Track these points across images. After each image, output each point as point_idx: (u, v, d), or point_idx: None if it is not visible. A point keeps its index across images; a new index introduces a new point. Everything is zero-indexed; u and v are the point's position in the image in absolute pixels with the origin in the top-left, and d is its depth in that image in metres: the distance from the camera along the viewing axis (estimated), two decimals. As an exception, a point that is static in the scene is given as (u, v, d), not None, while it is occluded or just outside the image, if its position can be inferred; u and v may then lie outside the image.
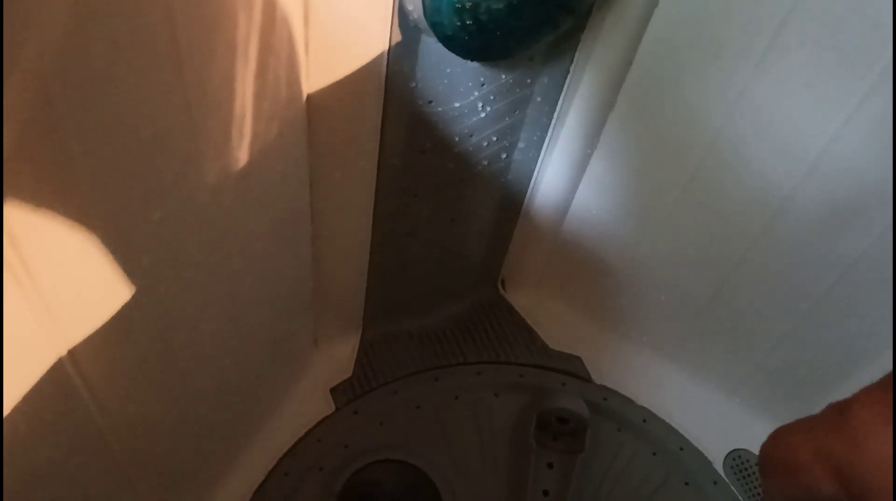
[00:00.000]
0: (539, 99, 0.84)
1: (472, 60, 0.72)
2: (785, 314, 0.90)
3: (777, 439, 0.39)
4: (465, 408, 1.01)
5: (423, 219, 0.91)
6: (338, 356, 1.04)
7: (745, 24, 0.70)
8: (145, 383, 0.67)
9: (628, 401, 1.04)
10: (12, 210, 0.45)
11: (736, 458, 1.01)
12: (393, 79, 0.71)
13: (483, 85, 0.76)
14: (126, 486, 0.74)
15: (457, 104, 0.77)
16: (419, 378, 1.03)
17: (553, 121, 0.88)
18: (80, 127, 0.45)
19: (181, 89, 0.51)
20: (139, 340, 0.62)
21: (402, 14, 0.66)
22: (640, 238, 0.95)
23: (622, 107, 0.84)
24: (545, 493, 0.94)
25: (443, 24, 0.63)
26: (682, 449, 1.01)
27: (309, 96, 0.68)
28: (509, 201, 0.98)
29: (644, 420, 1.02)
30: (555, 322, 1.11)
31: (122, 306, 0.58)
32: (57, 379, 0.56)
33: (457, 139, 0.81)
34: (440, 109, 0.77)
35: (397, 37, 0.68)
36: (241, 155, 0.61)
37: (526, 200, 1.00)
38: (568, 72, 0.83)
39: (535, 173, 0.96)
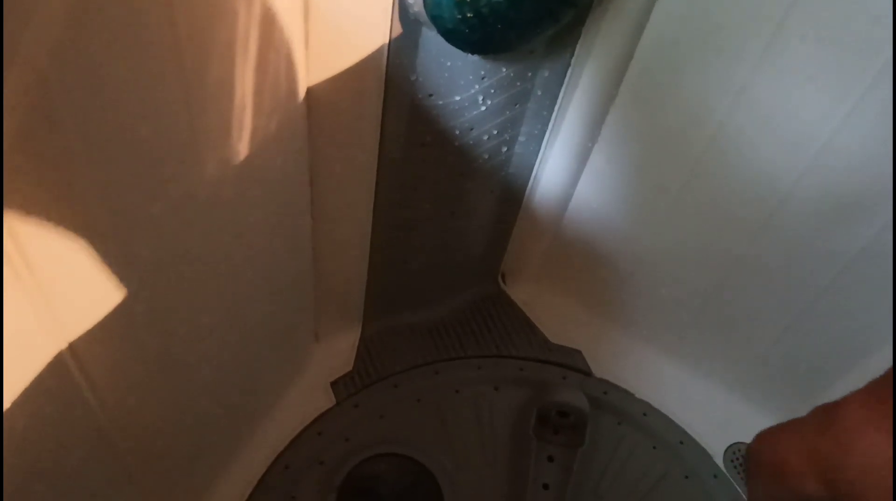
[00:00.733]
0: (540, 92, 0.83)
1: (472, 54, 0.72)
2: (786, 307, 0.90)
3: (764, 439, 0.39)
4: (465, 402, 1.01)
5: (424, 213, 0.91)
6: (338, 350, 1.04)
7: (747, 17, 0.70)
8: (146, 377, 0.67)
9: (628, 395, 1.04)
10: (12, 205, 0.45)
11: (736, 451, 1.01)
12: (393, 72, 0.71)
13: (484, 78, 0.76)
14: (127, 479, 0.74)
15: (457, 98, 0.77)
16: (420, 372, 1.04)
17: (554, 114, 0.88)
18: (79, 122, 0.45)
19: (181, 84, 0.51)
20: (139, 334, 0.62)
21: (402, 7, 0.65)
22: (641, 232, 0.95)
23: (623, 100, 0.84)
24: (545, 487, 0.94)
25: (443, 17, 0.63)
26: (682, 443, 1.01)
27: (309, 90, 0.68)
28: (510, 195, 0.98)
29: (644, 414, 1.02)
30: (555, 316, 1.11)
31: (123, 300, 0.58)
32: (57, 373, 0.56)
33: (457, 133, 0.81)
34: (441, 102, 0.76)
35: (398, 30, 0.67)
36: (241, 149, 0.61)
37: (526, 193, 0.99)
38: (569, 65, 0.83)
39: (536, 167, 0.96)
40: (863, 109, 0.68)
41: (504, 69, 0.77)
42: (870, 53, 0.65)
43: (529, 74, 0.80)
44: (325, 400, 1.00)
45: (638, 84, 0.81)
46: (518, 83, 0.80)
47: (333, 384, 1.01)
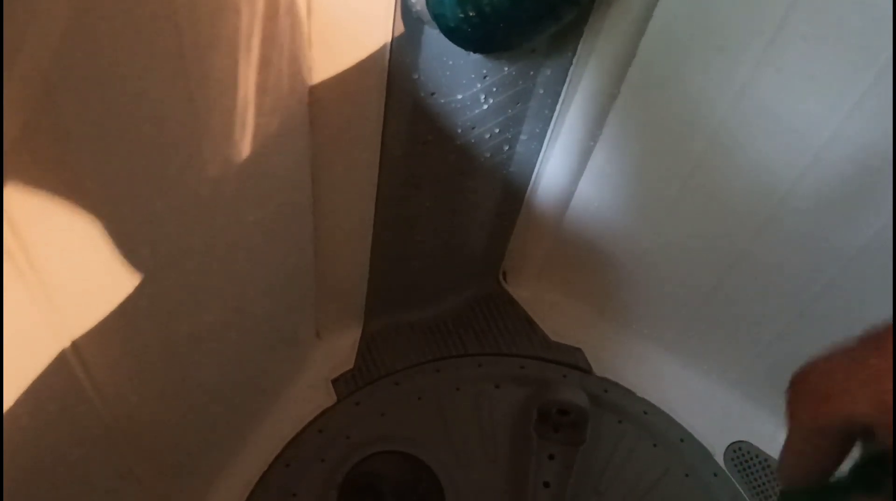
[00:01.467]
0: (542, 91, 0.83)
1: (474, 52, 0.72)
2: (787, 305, 0.90)
3: (812, 366, 0.37)
4: (466, 400, 1.01)
5: (425, 210, 0.91)
6: (339, 348, 1.04)
7: (748, 15, 0.70)
8: (148, 374, 0.67)
9: (629, 393, 1.05)
10: (15, 200, 0.45)
11: (736, 450, 1.02)
12: (395, 70, 0.71)
13: (485, 77, 0.76)
14: (128, 476, 0.74)
15: (459, 96, 0.77)
16: (421, 370, 1.04)
17: (556, 113, 0.88)
18: (82, 119, 0.45)
19: (184, 82, 0.51)
20: (141, 331, 0.62)
21: (404, 6, 0.65)
22: (643, 229, 0.95)
23: (625, 98, 0.84)
24: (546, 484, 0.94)
25: (445, 15, 0.63)
26: (682, 441, 1.01)
27: (311, 88, 0.68)
28: (511, 193, 0.98)
29: (645, 412, 1.03)
30: (556, 314, 1.12)
31: (125, 297, 0.58)
32: (60, 371, 0.57)
33: (459, 131, 0.81)
34: (442, 100, 0.76)
35: (400, 28, 0.67)
36: (244, 148, 0.61)
37: (528, 191, 0.99)
38: (571, 63, 0.83)
39: (538, 165, 0.96)
40: (864, 107, 0.68)
41: (506, 68, 0.77)
42: (871, 52, 0.65)
43: (531, 73, 0.80)
44: (327, 398, 1.00)
45: (640, 82, 0.81)
46: (520, 82, 0.80)
47: (334, 382, 1.01)
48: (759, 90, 0.73)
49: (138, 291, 0.59)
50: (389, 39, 0.67)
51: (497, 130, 0.84)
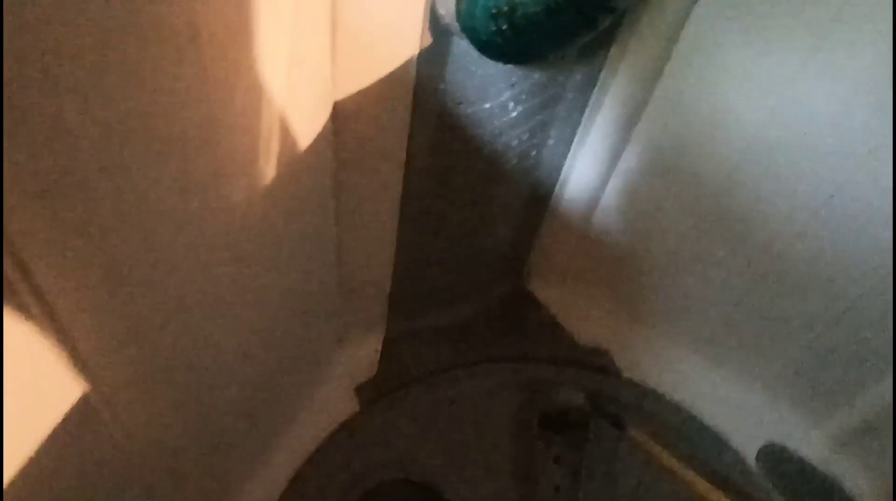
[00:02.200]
0: (571, 96, 0.80)
1: (506, 64, 0.69)
2: (823, 309, 0.87)
3: None
4: (462, 413, 0.99)
5: (449, 219, 0.88)
6: (362, 355, 1.02)
7: (791, 21, 0.67)
8: (171, 406, 0.65)
9: (655, 394, 1.02)
10: (29, 242, 0.43)
11: (770, 452, 0.99)
12: (422, 82, 0.68)
13: (514, 85, 0.73)
14: (152, 498, 0.73)
15: (486, 105, 0.74)
16: (415, 389, 1.01)
17: (585, 116, 0.85)
18: (104, 162, 0.43)
19: (207, 110, 0.48)
20: (166, 366, 0.60)
21: (432, 18, 0.62)
22: (673, 232, 0.93)
23: (658, 101, 0.81)
24: (556, 489, 0.92)
25: (476, 29, 0.60)
26: (683, 423, 0.99)
27: (335, 104, 0.65)
28: (538, 197, 0.95)
29: (643, 400, 1.00)
30: (582, 316, 1.09)
31: (149, 335, 0.56)
32: (84, 414, 0.55)
33: (486, 139, 0.78)
34: (469, 110, 0.73)
35: (427, 41, 0.64)
36: (268, 172, 0.58)
37: (554, 194, 0.97)
38: (602, 67, 0.80)
39: (565, 168, 0.93)
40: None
41: (535, 75, 0.74)
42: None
43: (561, 78, 0.77)
44: (350, 405, 0.98)
45: (674, 85, 0.78)
46: (549, 88, 0.77)
47: (358, 390, 0.99)
48: (799, 97, 0.70)
49: (162, 328, 0.56)
50: (416, 52, 0.65)
51: (525, 136, 0.81)
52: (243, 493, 0.88)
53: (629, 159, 0.88)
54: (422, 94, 0.69)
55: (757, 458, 0.99)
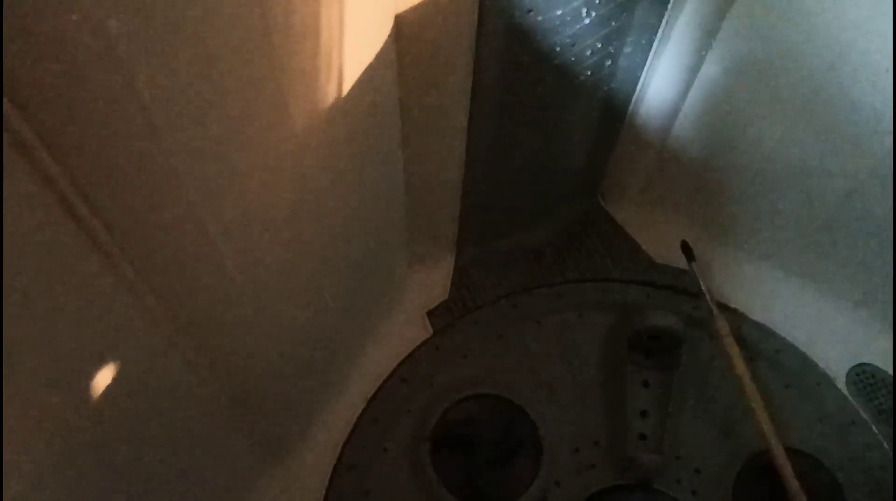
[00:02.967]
0: (649, -2, 0.74)
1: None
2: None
3: None
4: (550, 333, 0.97)
5: (520, 135, 0.84)
6: (433, 280, 1.00)
7: None
8: (246, 335, 0.65)
9: (739, 315, 0.98)
10: (100, 180, 0.42)
11: (860, 372, 0.95)
12: (488, -11, 0.63)
13: (588, -12, 0.68)
14: (230, 429, 0.73)
15: (558, 12, 0.69)
16: (507, 303, 0.99)
17: (664, 21, 0.79)
18: (160, 93, 0.41)
19: (264, 24, 0.45)
20: (237, 294, 0.59)
21: (499, -84, 0.57)
22: (759, 147, 0.87)
23: (741, 4, 0.74)
24: (643, 414, 0.90)
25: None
26: (778, 352, 0.95)
27: (398, 17, 0.61)
28: (612, 111, 0.90)
29: (739, 327, 0.96)
30: (660, 235, 1.04)
31: (220, 263, 0.55)
32: (164, 348, 0.55)
33: (557, 49, 0.73)
34: (540, 18, 0.68)
35: (494, -58, 0.60)
36: (330, 91, 0.55)
37: (631, 107, 0.91)
38: (683, -36, 0.73)
39: (642, 79, 0.87)
40: None
41: (611, -24, 0.68)
42: None
43: (639, -21, 0.71)
44: (422, 331, 0.97)
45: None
46: (625, -10, 0.71)
47: (430, 314, 0.98)
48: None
49: (230, 254, 0.55)
50: (482, -45, 0.60)
51: (599, 45, 0.76)
52: (325, 412, 0.89)
53: (712, 67, 0.82)
54: (488, 2, 0.64)
55: (847, 379, 0.94)
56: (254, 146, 0.51)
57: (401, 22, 0.62)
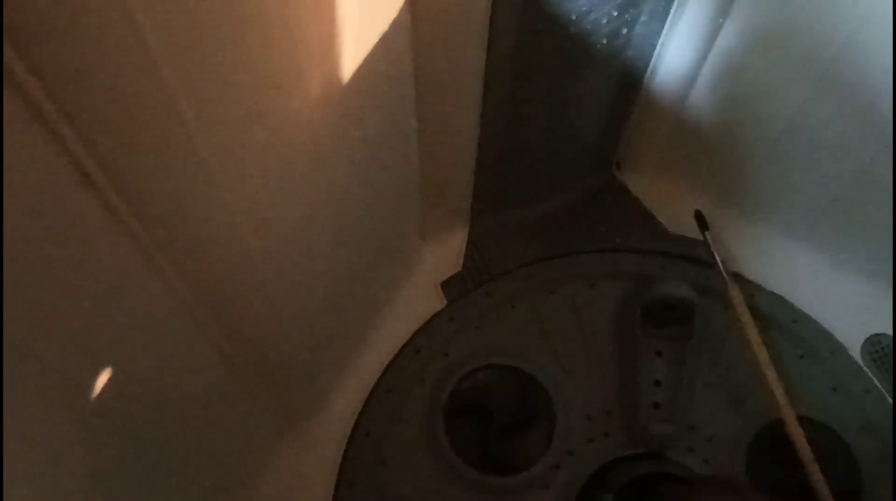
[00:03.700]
0: (666, -36, 0.74)
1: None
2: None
3: None
4: (563, 303, 0.96)
5: (535, 105, 0.84)
6: (447, 251, 1.00)
7: None
8: (263, 304, 0.65)
9: (755, 286, 0.98)
10: (122, 151, 0.42)
11: (875, 343, 0.95)
12: (504, -44, 0.63)
13: (604, -45, 0.67)
14: (248, 398, 0.74)
15: (574, -21, 0.68)
16: (519, 273, 0.98)
17: (680, -11, 0.78)
18: (177, 60, 0.41)
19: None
20: (254, 264, 0.60)
21: None
22: (775, 116, 0.86)
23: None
24: (657, 383, 0.90)
25: None
26: (794, 322, 0.95)
27: (412, -15, 0.61)
28: (628, 79, 0.89)
29: (753, 297, 0.96)
30: (675, 205, 1.04)
31: (237, 231, 0.55)
32: (182, 320, 0.55)
33: (573, 17, 0.73)
34: (556, -15, 0.68)
35: None
36: (345, 62, 0.55)
37: (646, 76, 0.91)
38: (700, -70, 0.72)
39: (658, 48, 0.86)
40: None
41: (628, -58, 0.68)
42: None
43: (656, -55, 0.70)
44: (436, 301, 0.97)
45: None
46: (643, -44, 0.70)
47: (444, 285, 0.98)
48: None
49: (248, 223, 0.55)
50: (497, -79, 0.59)
51: (615, 13, 0.75)
52: (341, 382, 0.90)
53: (729, 35, 0.81)
54: (504, -31, 0.64)
55: (862, 350, 0.94)
56: (269, 115, 0.51)
57: (415, -10, 0.61)
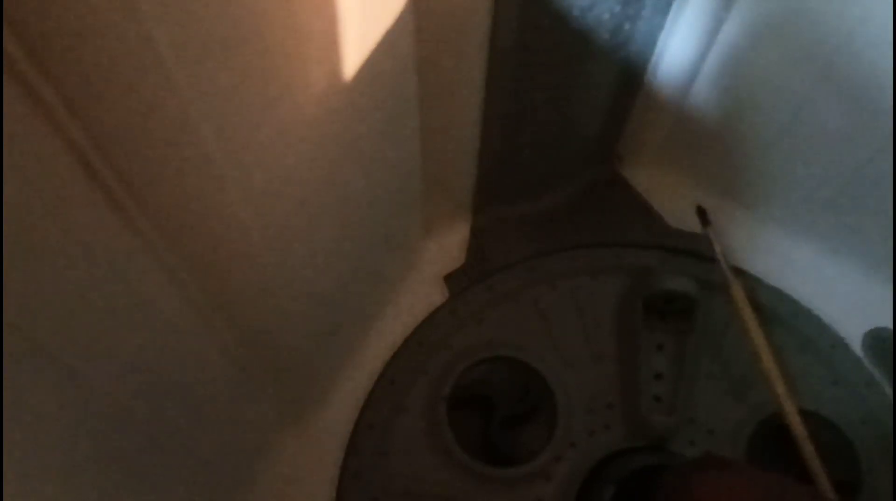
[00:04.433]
0: (668, -41, 0.74)
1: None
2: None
3: None
4: (565, 295, 0.97)
5: (537, 100, 0.84)
6: (449, 245, 1.01)
7: None
8: (267, 297, 0.66)
9: (756, 281, 0.98)
10: (122, 146, 0.42)
11: (876, 336, 0.95)
12: (506, -50, 0.63)
13: (607, -50, 0.67)
14: (252, 391, 0.75)
15: (577, -27, 0.68)
16: (523, 267, 0.99)
17: (683, -17, 0.79)
18: (179, 49, 0.41)
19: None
20: (259, 258, 0.60)
21: None
22: (777, 108, 0.86)
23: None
24: (658, 376, 0.90)
25: None
26: (795, 315, 0.95)
27: (415, -20, 0.61)
28: (630, 74, 0.89)
29: (753, 290, 0.96)
30: (676, 200, 1.04)
31: (241, 230, 0.56)
32: (185, 313, 0.55)
33: (575, 13, 0.73)
34: (558, -20, 0.68)
35: None
36: (349, 57, 0.55)
37: (648, 72, 0.91)
38: (703, -75, 0.73)
39: (660, 43, 0.87)
40: None
41: (630, -64, 0.68)
42: None
43: (658, -60, 0.70)
44: (439, 295, 0.98)
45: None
46: (645, -49, 0.71)
47: (446, 279, 0.99)
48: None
49: (253, 220, 0.56)
50: (500, -83, 0.60)
51: (617, 8, 0.75)
52: (345, 374, 0.90)
53: (732, 29, 0.82)
54: (506, -36, 0.64)
55: (863, 343, 0.95)
56: (274, 110, 0.51)
57: (418, -16, 0.62)
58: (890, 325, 0.95)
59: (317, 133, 0.57)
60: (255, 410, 0.78)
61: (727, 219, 1.02)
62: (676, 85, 0.92)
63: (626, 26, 0.79)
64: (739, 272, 0.97)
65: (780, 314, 0.95)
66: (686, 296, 0.92)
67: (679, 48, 0.87)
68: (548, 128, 0.90)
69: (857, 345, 0.95)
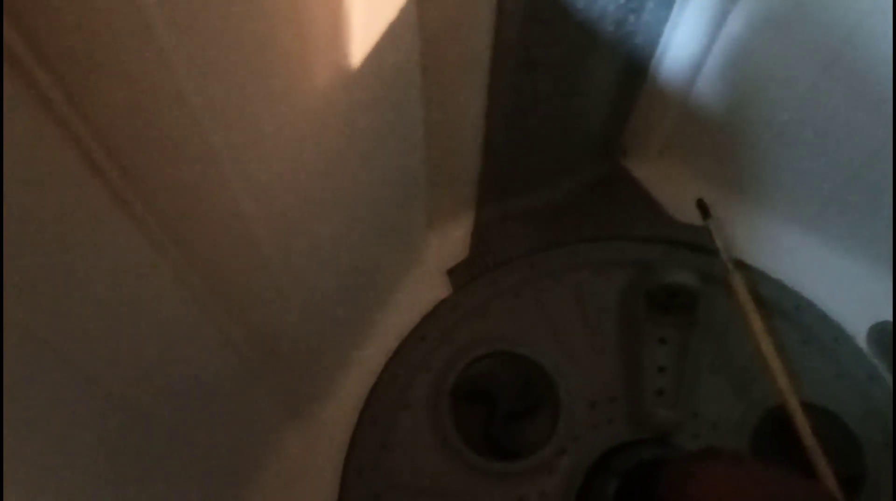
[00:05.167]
0: (673, -49, 0.73)
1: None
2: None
3: None
4: (567, 290, 0.97)
5: (541, 93, 0.84)
6: (453, 239, 1.00)
7: None
8: (270, 291, 0.66)
9: (760, 274, 0.98)
10: (124, 137, 0.42)
11: (880, 330, 0.95)
12: (511, -57, 0.63)
13: (612, -58, 0.67)
14: (256, 384, 0.75)
15: (581, -34, 0.68)
16: (525, 262, 0.99)
17: (688, -25, 0.78)
18: (183, 46, 0.41)
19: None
20: (263, 253, 0.60)
21: None
22: (782, 102, 0.86)
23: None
24: (661, 369, 0.90)
25: None
26: (798, 309, 0.95)
27: (419, -27, 0.61)
28: (635, 67, 0.89)
29: (756, 283, 0.96)
30: (681, 193, 1.04)
31: (245, 219, 0.56)
32: (189, 308, 0.55)
33: (579, 5, 0.73)
34: (563, -28, 0.68)
35: None
36: (352, 51, 0.55)
37: (653, 64, 0.90)
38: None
39: (665, 34, 0.86)
40: None
41: (635, -72, 0.67)
42: None
43: (663, -68, 0.70)
44: (442, 289, 0.97)
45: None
46: (650, -57, 0.70)
47: (450, 273, 0.98)
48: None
49: (258, 214, 0.56)
50: None
51: (622, 0, 0.75)
52: (348, 368, 0.90)
53: (737, 21, 0.81)
54: (511, -43, 0.64)
55: (868, 337, 0.94)
56: (277, 104, 0.51)
57: (422, -22, 0.61)
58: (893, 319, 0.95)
59: (320, 127, 0.57)
60: (258, 405, 0.78)
61: (732, 212, 1.01)
62: (681, 78, 0.92)
63: (631, 19, 0.79)
64: (742, 265, 0.97)
65: (783, 307, 0.95)
66: (689, 290, 0.91)
67: (683, 41, 0.87)
68: (552, 121, 0.89)
69: (860, 339, 0.94)
